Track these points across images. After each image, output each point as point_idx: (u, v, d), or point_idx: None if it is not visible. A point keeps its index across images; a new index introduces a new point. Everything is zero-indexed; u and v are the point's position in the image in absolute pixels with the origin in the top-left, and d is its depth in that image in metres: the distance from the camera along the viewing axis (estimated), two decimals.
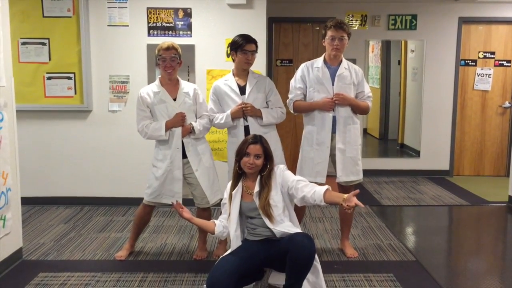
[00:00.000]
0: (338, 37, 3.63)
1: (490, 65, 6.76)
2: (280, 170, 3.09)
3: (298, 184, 2.98)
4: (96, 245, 4.11)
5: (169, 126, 3.60)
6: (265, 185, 3.02)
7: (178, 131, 3.62)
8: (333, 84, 3.71)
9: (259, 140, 3.07)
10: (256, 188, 3.02)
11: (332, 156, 3.78)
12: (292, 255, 2.77)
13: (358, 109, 3.80)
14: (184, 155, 3.67)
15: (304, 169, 3.77)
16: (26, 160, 4.88)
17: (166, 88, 3.66)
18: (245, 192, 3.08)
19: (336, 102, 3.67)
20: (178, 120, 3.61)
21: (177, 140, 3.63)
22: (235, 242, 3.03)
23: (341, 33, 3.64)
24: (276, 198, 3.00)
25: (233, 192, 3.08)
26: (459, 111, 6.83)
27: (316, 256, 2.91)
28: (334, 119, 3.72)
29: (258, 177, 3.06)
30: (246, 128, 3.69)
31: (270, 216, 2.96)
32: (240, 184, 3.09)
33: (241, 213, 3.08)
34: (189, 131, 3.65)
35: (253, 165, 3.00)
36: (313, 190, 2.91)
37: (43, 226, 4.59)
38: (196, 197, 3.74)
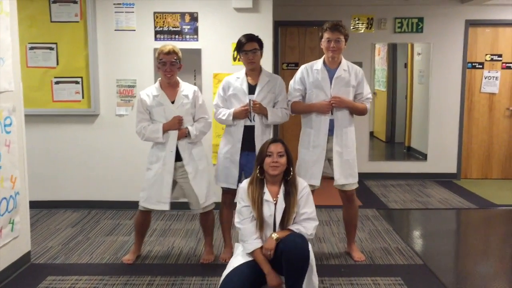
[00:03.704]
0: (334, 39, 3.63)
1: (497, 67, 6.73)
2: (304, 189, 3.07)
3: (299, 217, 3.01)
4: (103, 248, 4.12)
5: (165, 129, 3.60)
6: (290, 195, 2.98)
7: (173, 134, 3.61)
8: (331, 87, 3.71)
9: (279, 140, 3.07)
10: (280, 202, 2.98)
11: (329, 159, 3.77)
12: (286, 256, 2.78)
13: (356, 111, 3.80)
14: (178, 159, 3.66)
15: (301, 171, 3.73)
16: (34, 164, 4.90)
17: (166, 91, 3.66)
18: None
19: (333, 105, 3.67)
20: (175, 123, 3.60)
21: (172, 143, 3.61)
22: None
23: (337, 35, 3.63)
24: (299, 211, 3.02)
25: (265, 198, 2.99)
26: (466, 114, 6.80)
27: (312, 255, 2.92)
28: (331, 122, 3.72)
29: (282, 186, 3.02)
30: (251, 128, 3.66)
31: (285, 227, 2.99)
32: (266, 190, 3.02)
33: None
34: (184, 135, 3.64)
35: (277, 164, 2.96)
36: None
37: (51, 229, 4.61)
38: (191, 201, 3.73)
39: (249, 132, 3.66)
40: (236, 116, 3.64)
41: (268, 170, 3.00)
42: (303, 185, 3.08)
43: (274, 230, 2.98)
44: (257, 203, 2.97)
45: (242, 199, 3.05)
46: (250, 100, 3.63)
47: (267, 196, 3.00)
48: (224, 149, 3.75)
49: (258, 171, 3.04)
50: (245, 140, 3.67)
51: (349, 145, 3.76)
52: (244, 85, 3.68)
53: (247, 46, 3.61)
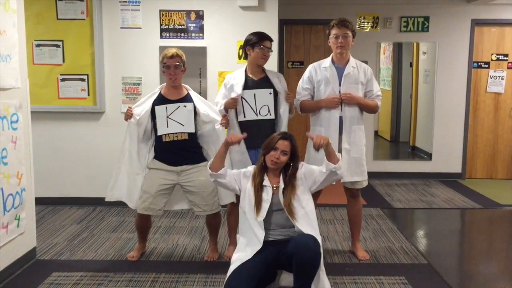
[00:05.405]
0: (341, 35, 3.64)
1: (503, 67, 6.71)
2: (302, 165, 3.16)
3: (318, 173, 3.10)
4: (108, 245, 4.14)
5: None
6: (289, 183, 3.05)
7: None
8: (340, 84, 3.71)
9: (289, 137, 3.10)
10: (281, 185, 3.06)
11: None
12: (297, 257, 2.78)
13: (367, 108, 3.79)
14: (179, 163, 3.64)
15: None
16: (40, 161, 4.92)
17: (169, 93, 3.68)
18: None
19: (343, 100, 3.67)
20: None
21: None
22: (256, 239, 3.00)
23: (345, 31, 3.64)
24: (302, 197, 3.04)
25: (264, 184, 3.06)
26: (472, 114, 6.78)
27: (322, 258, 2.90)
28: (340, 120, 3.71)
29: (281, 175, 3.10)
30: (257, 123, 3.64)
31: (292, 214, 2.98)
32: (266, 177, 3.09)
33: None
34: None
35: (277, 161, 3.02)
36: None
37: (56, 226, 4.63)
38: (199, 205, 3.68)
39: (256, 128, 3.61)
40: (226, 105, 3.65)
41: (268, 162, 3.07)
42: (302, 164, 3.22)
43: (268, 217, 3.02)
44: (257, 188, 3.05)
45: (248, 171, 3.18)
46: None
47: (266, 182, 3.07)
48: (232, 150, 3.74)
49: (263, 160, 3.11)
50: (253, 137, 3.52)
51: (357, 143, 3.75)
52: (242, 78, 3.68)
53: (266, 43, 3.64)
